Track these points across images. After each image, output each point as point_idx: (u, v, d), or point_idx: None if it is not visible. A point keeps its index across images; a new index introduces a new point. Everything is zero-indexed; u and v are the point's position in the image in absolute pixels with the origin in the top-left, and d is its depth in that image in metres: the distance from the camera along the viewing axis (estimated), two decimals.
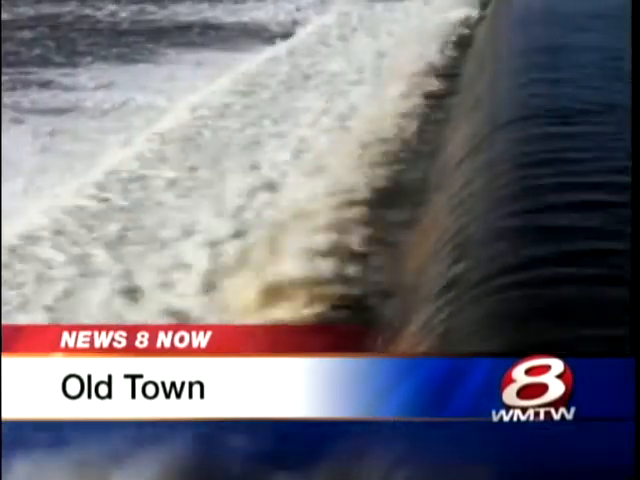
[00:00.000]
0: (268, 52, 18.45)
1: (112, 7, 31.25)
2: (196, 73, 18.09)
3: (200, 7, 31.83)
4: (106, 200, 8.97)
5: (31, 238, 8.03)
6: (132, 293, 6.89)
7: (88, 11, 29.85)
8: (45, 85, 17.77)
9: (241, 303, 6.37)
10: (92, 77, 18.56)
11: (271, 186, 8.92)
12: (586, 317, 3.87)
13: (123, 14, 29.96)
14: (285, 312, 6.17)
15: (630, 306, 3.67)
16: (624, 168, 4.97)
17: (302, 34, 20.70)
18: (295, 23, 25.08)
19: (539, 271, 4.35)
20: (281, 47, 18.83)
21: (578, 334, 3.66)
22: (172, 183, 9.40)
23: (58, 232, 8.16)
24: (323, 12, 25.78)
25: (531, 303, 4.08)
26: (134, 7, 32.43)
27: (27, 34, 25.08)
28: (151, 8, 31.44)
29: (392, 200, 7.97)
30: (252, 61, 17.36)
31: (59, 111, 15.21)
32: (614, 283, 4.05)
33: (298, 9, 29.20)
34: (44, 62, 20.46)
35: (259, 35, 24.20)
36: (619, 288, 3.90)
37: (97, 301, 6.78)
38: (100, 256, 7.59)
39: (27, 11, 29.96)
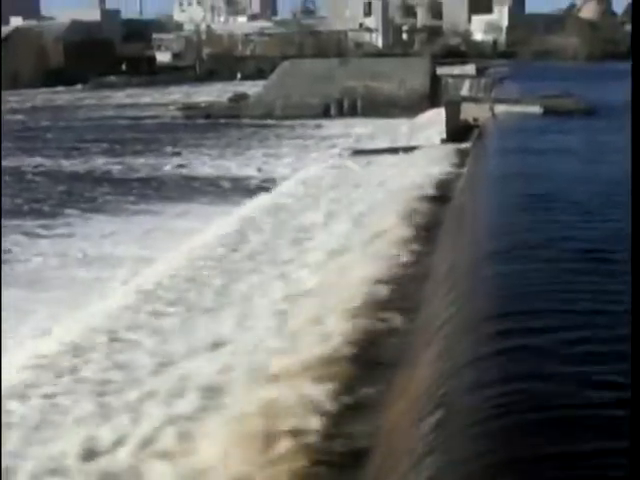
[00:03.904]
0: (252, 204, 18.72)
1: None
2: (180, 225, 18.29)
3: (184, 159, 32.35)
4: None
5: None
6: None
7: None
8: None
9: None
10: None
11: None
12: None
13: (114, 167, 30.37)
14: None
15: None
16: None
17: (285, 187, 21.04)
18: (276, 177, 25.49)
19: None
20: (262, 200, 19.12)
21: None
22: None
23: None
24: (306, 166, 26.20)
25: None
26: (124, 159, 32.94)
27: None
28: (136, 161, 31.91)
29: (373, 352, 7.91)
30: (236, 213, 17.60)
31: None
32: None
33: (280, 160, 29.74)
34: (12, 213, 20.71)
35: (243, 187, 24.56)
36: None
37: None
38: None
39: None
